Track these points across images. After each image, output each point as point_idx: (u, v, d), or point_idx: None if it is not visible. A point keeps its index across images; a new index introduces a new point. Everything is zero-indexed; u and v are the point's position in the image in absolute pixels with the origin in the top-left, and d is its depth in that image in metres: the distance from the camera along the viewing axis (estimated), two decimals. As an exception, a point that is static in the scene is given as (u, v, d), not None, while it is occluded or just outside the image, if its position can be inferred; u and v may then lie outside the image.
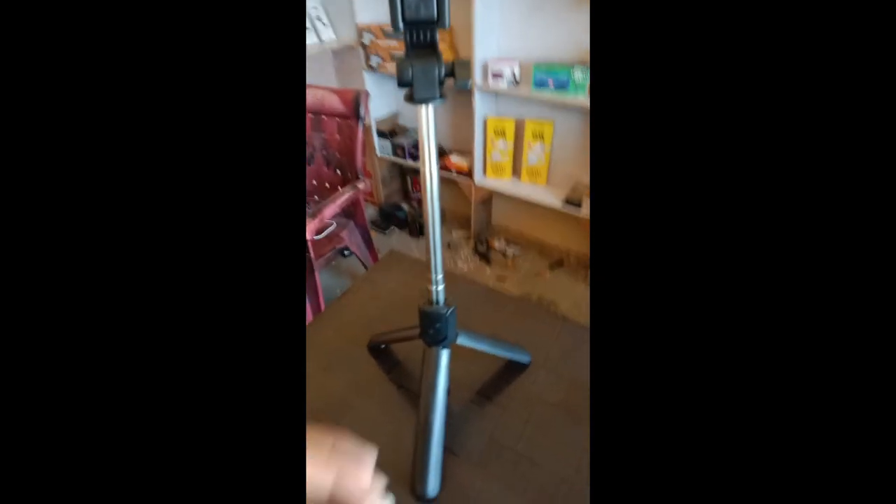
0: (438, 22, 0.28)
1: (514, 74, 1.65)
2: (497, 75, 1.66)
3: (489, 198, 2.15)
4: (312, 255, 1.33)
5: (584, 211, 1.75)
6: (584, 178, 1.85)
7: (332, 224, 1.55)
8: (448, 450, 0.48)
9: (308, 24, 1.89)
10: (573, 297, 1.90)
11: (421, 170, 0.37)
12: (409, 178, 2.34)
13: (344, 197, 1.38)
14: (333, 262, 2.04)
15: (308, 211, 1.37)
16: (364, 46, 1.90)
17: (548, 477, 0.46)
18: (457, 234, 2.27)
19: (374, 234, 1.71)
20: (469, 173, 1.96)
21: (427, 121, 0.34)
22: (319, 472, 0.24)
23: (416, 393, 0.54)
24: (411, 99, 0.31)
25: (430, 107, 0.33)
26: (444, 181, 2.25)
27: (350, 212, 1.59)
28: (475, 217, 2.13)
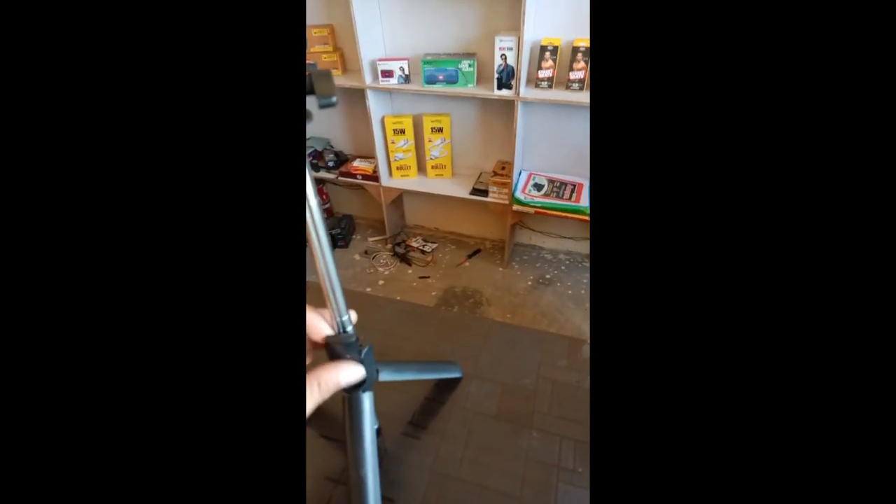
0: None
1: (403, 71, 1.61)
2: (387, 74, 1.61)
3: (399, 198, 2.10)
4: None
5: (492, 198, 1.78)
6: (487, 166, 1.88)
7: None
8: (388, 500, 0.44)
9: None
10: (494, 281, 1.94)
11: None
12: (312, 189, 2.22)
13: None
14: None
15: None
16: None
17: (497, 497, 0.44)
18: (372, 240, 2.20)
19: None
20: (375, 177, 1.90)
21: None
22: None
23: (340, 440, 0.50)
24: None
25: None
26: (351, 187, 2.16)
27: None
28: (388, 220, 2.08)
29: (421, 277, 1.96)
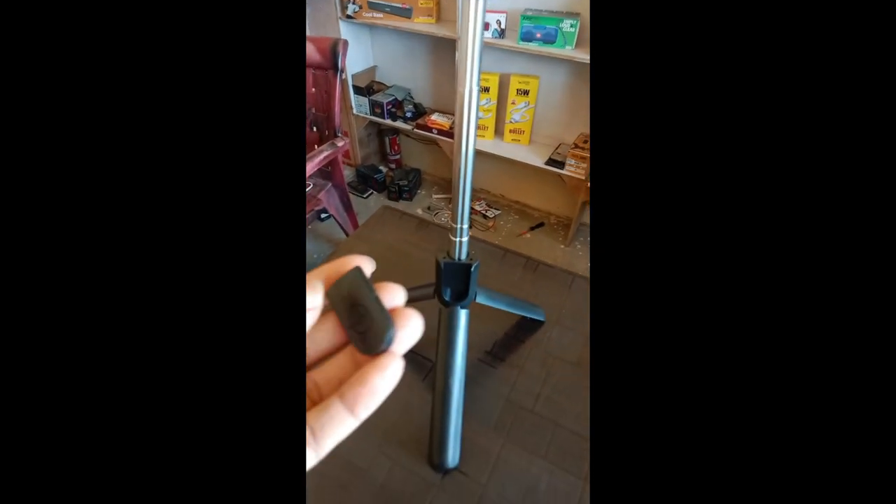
0: None
1: (500, 25, 1.56)
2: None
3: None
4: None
5: (568, 171, 1.72)
6: (568, 137, 1.81)
7: (309, 185, 1.46)
8: (464, 415, 0.45)
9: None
10: (553, 257, 1.90)
11: (458, 90, 0.31)
12: (387, 139, 2.24)
13: (322, 155, 1.29)
14: (310, 226, 1.95)
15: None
16: (338, -9, 1.75)
17: (569, 437, 0.44)
18: (437, 197, 2.21)
19: (351, 197, 1.63)
20: (450, 133, 1.89)
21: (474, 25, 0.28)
22: None
23: (421, 356, 0.51)
24: None
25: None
26: (424, 142, 2.16)
27: (327, 172, 1.50)
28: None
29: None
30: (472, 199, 2.15)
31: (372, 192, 2.20)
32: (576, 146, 1.71)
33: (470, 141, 0.34)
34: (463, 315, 0.41)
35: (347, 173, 2.18)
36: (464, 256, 0.39)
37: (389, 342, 0.17)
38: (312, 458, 0.18)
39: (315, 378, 0.20)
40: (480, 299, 0.44)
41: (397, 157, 2.29)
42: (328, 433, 0.18)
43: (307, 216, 1.40)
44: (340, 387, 0.18)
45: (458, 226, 0.37)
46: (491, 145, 1.89)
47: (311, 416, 0.18)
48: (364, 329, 0.17)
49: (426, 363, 0.50)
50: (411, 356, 0.51)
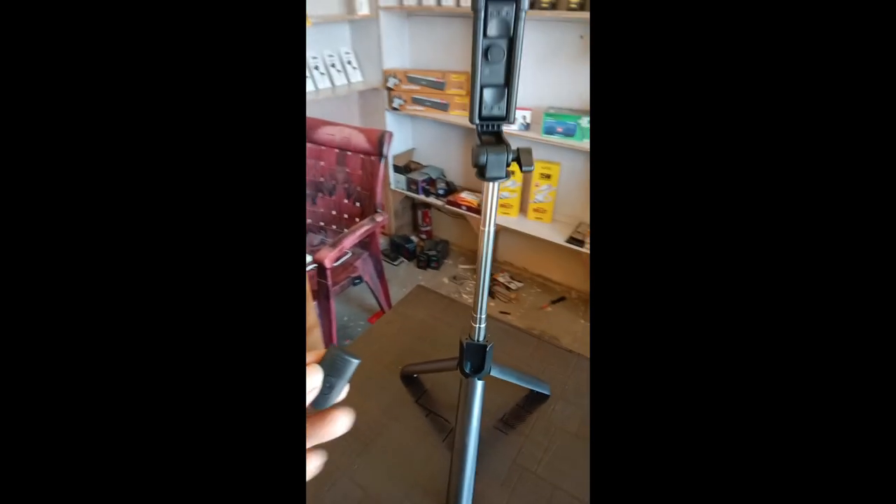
0: (507, 118, 0.36)
1: (525, 119, 1.76)
2: (510, 121, 1.77)
3: (496, 233, 2.23)
4: (330, 282, 1.40)
5: (587, 249, 1.83)
6: (587, 217, 1.94)
7: (347, 253, 1.62)
8: (476, 472, 0.53)
9: (339, 68, 2.02)
10: (574, 332, 1.96)
11: (481, 228, 0.44)
12: (419, 212, 2.44)
13: (363, 229, 1.46)
14: (344, 291, 2.10)
15: (329, 240, 1.44)
16: (388, 89, 2.03)
17: (568, 499, 0.51)
18: (462, 268, 2.34)
19: (383, 265, 1.78)
20: (478, 209, 2.05)
21: (492, 193, 0.41)
22: None
23: (443, 418, 0.60)
24: (483, 177, 0.39)
25: (496, 183, 0.40)
26: (453, 216, 2.33)
27: (365, 242, 1.66)
28: (482, 251, 2.21)
29: (501, 312, 2.04)
30: (497, 271, 2.27)
31: (402, 261, 2.36)
32: (594, 227, 1.83)
33: (488, 262, 0.46)
34: (479, 385, 0.51)
35: (381, 241, 2.36)
36: (482, 338, 0.50)
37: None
38: None
39: None
40: (494, 373, 0.54)
41: (428, 228, 2.46)
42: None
43: (345, 282, 1.55)
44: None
45: (478, 315, 0.49)
46: (515, 222, 2.03)
47: None
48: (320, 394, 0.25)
49: (447, 425, 0.60)
50: (434, 419, 0.61)
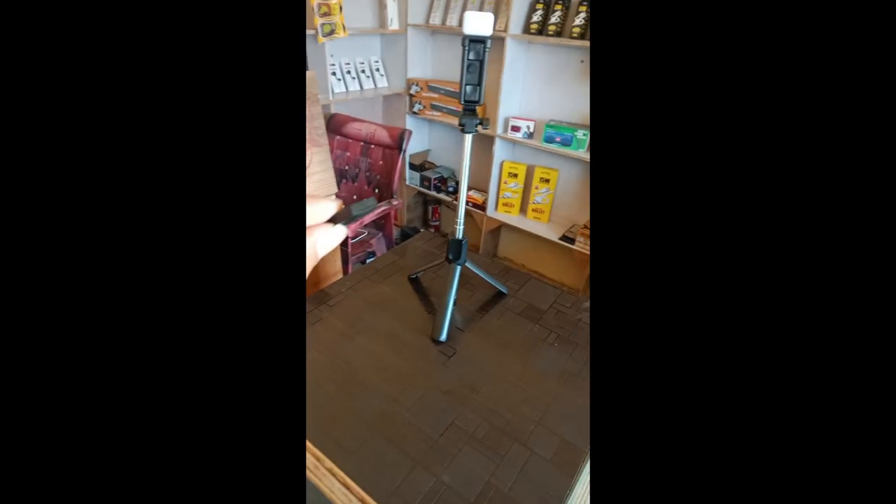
0: (478, 102, 0.60)
1: (528, 129, 2.01)
2: (515, 129, 2.02)
3: (497, 229, 2.46)
4: (350, 250, 1.64)
5: (577, 247, 2.05)
6: (581, 219, 2.17)
7: (365, 232, 1.87)
8: (456, 328, 0.77)
9: (368, 74, 2.30)
10: (562, 322, 2.16)
11: (462, 162, 0.69)
12: (430, 208, 2.69)
13: (381, 209, 1.71)
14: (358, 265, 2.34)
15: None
16: (410, 95, 2.31)
17: (521, 344, 0.75)
18: (466, 259, 2.57)
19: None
20: (483, 207, 2.30)
21: (469, 141, 0.67)
22: None
23: (431, 304, 0.84)
24: (463, 131, 0.64)
25: (471, 135, 0.65)
26: (460, 212, 2.57)
27: (381, 224, 1.91)
28: (483, 246, 2.44)
29: (498, 299, 2.25)
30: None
31: (412, 249, 2.59)
32: (585, 227, 2.05)
33: (466, 174, 0.71)
34: (458, 269, 0.76)
35: (394, 231, 2.61)
36: (460, 236, 0.75)
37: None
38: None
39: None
40: (469, 265, 0.79)
41: (437, 223, 2.71)
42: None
43: (361, 255, 1.79)
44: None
45: (458, 219, 0.73)
46: (516, 220, 2.26)
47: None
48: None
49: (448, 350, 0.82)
50: (437, 345, 0.83)
